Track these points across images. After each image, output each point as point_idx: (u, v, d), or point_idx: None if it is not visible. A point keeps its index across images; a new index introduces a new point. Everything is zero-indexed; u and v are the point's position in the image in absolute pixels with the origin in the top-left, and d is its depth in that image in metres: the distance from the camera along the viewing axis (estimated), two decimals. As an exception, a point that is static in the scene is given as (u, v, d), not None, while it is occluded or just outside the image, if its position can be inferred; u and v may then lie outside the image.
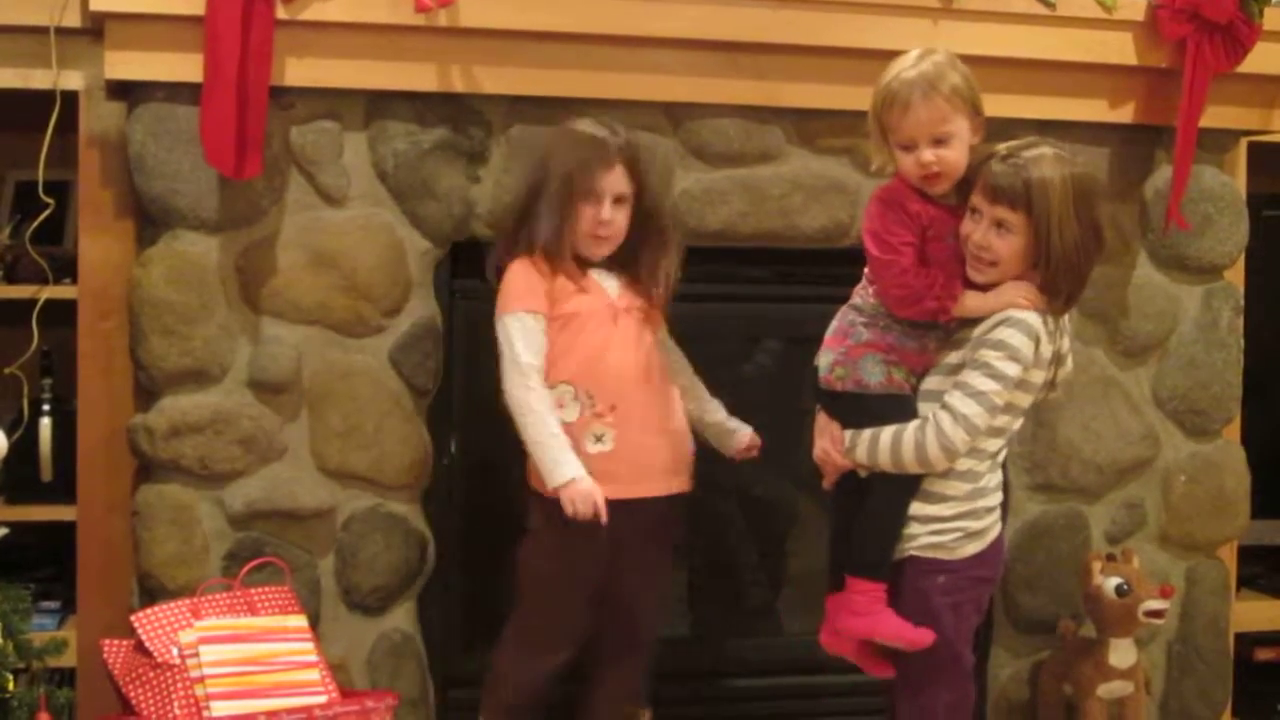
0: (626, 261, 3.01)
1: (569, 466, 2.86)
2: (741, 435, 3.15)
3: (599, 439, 2.92)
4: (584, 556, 2.94)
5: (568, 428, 2.90)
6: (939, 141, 2.70)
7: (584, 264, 2.98)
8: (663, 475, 3.00)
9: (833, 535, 2.91)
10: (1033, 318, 2.65)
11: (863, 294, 2.82)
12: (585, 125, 2.99)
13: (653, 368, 2.99)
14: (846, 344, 2.80)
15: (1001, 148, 2.71)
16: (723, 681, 3.48)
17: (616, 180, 2.94)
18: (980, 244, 2.68)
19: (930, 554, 2.74)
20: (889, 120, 2.73)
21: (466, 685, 3.18)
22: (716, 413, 3.15)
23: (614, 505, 2.88)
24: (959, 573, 2.75)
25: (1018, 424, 2.76)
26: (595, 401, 2.91)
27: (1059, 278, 2.65)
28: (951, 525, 2.73)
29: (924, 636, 2.70)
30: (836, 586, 2.85)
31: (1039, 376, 2.70)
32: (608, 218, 2.94)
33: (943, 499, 2.73)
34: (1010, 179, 2.64)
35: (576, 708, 3.13)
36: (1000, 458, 2.78)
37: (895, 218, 2.75)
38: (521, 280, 2.94)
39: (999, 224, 2.66)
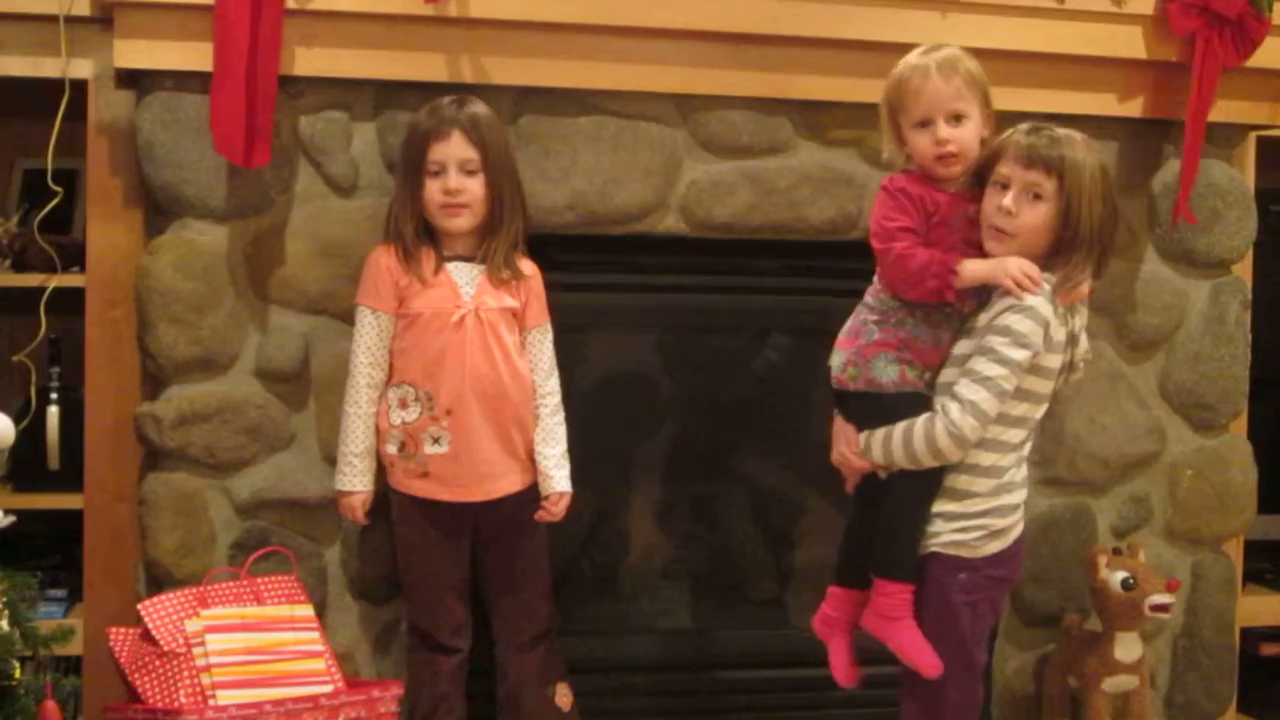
0: (489, 251, 3.01)
1: (344, 479, 3.01)
2: (547, 489, 3.07)
3: (436, 441, 2.98)
4: (438, 549, 3.03)
5: (408, 427, 2.99)
6: (955, 119, 2.71)
7: (445, 256, 3.00)
8: (501, 478, 3.04)
9: (845, 533, 2.91)
10: (1040, 303, 2.64)
11: (874, 292, 2.82)
12: (435, 102, 3.03)
13: (496, 372, 2.99)
14: (858, 343, 2.79)
15: (1024, 125, 2.72)
16: (726, 673, 3.48)
17: (455, 148, 2.96)
18: (1007, 209, 2.66)
19: (953, 551, 2.73)
20: (904, 99, 2.73)
21: (471, 676, 3.18)
22: (544, 450, 3.07)
23: (461, 506, 3.01)
24: (979, 571, 2.74)
25: (1039, 412, 2.74)
26: (434, 404, 2.97)
27: (1079, 251, 2.65)
28: (976, 523, 2.72)
29: (934, 667, 2.70)
30: (841, 581, 2.86)
31: (1055, 361, 2.69)
32: (455, 185, 2.95)
33: (968, 495, 2.72)
34: (1047, 148, 2.65)
35: (498, 700, 3.15)
36: (1024, 450, 2.77)
37: (895, 205, 2.75)
38: (371, 272, 3.01)
39: (1031, 190, 2.65)
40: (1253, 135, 3.67)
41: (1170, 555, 3.63)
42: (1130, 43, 3.40)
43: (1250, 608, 3.82)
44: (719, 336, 3.25)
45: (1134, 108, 3.47)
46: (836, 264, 3.24)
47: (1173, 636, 3.66)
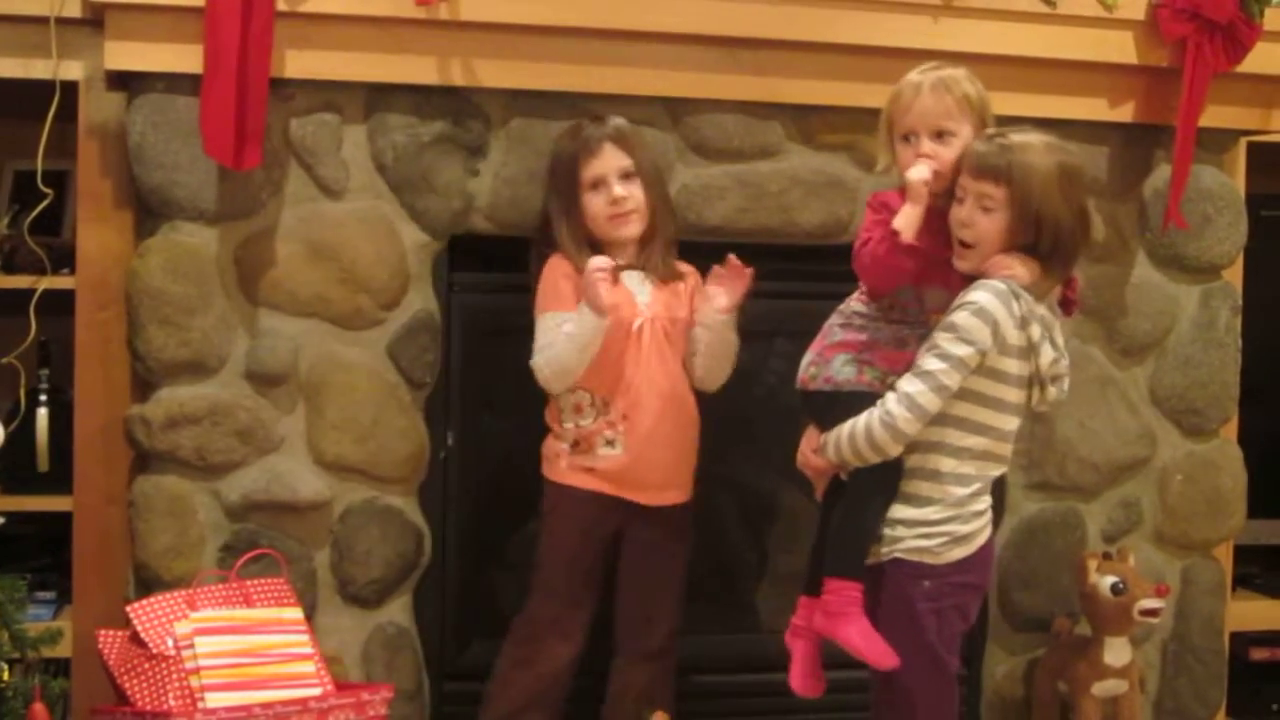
0: (649, 257, 3.06)
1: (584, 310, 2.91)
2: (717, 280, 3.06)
3: (610, 443, 3.02)
4: (588, 542, 3.05)
5: (582, 430, 3.02)
6: (940, 136, 2.71)
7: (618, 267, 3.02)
8: (665, 488, 3.08)
9: (814, 543, 2.92)
10: (989, 302, 2.63)
11: (846, 300, 2.86)
12: (573, 125, 3.10)
13: (670, 381, 3.04)
14: (822, 345, 2.84)
15: (989, 130, 2.72)
16: (712, 678, 3.47)
17: (610, 159, 3.01)
18: (963, 221, 2.68)
19: (915, 558, 2.72)
20: (896, 112, 2.76)
21: (462, 678, 3.19)
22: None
23: (617, 504, 3.04)
24: (944, 578, 2.73)
25: (1003, 421, 2.73)
26: (610, 409, 3.00)
27: (1053, 258, 2.67)
28: (938, 529, 2.71)
29: (888, 658, 2.68)
30: (810, 591, 2.86)
31: (1011, 366, 2.68)
32: (621, 193, 3.01)
33: (927, 502, 2.72)
34: (995, 157, 2.65)
35: (600, 712, 3.18)
36: (990, 463, 2.75)
37: (868, 224, 2.80)
38: (550, 281, 3.03)
39: (982, 201, 2.66)
40: (1243, 140, 3.68)
41: (1160, 560, 3.63)
42: (1121, 48, 3.41)
43: (1239, 612, 3.82)
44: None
45: (1125, 113, 3.48)
46: (827, 268, 3.24)
47: (1162, 641, 3.66)
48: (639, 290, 3.05)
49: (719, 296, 3.04)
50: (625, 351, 3.00)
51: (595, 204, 3.02)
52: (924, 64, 2.81)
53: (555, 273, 3.03)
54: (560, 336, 2.96)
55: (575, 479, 3.04)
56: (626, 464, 3.01)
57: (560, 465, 3.05)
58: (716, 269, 3.04)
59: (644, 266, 3.07)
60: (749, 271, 3.02)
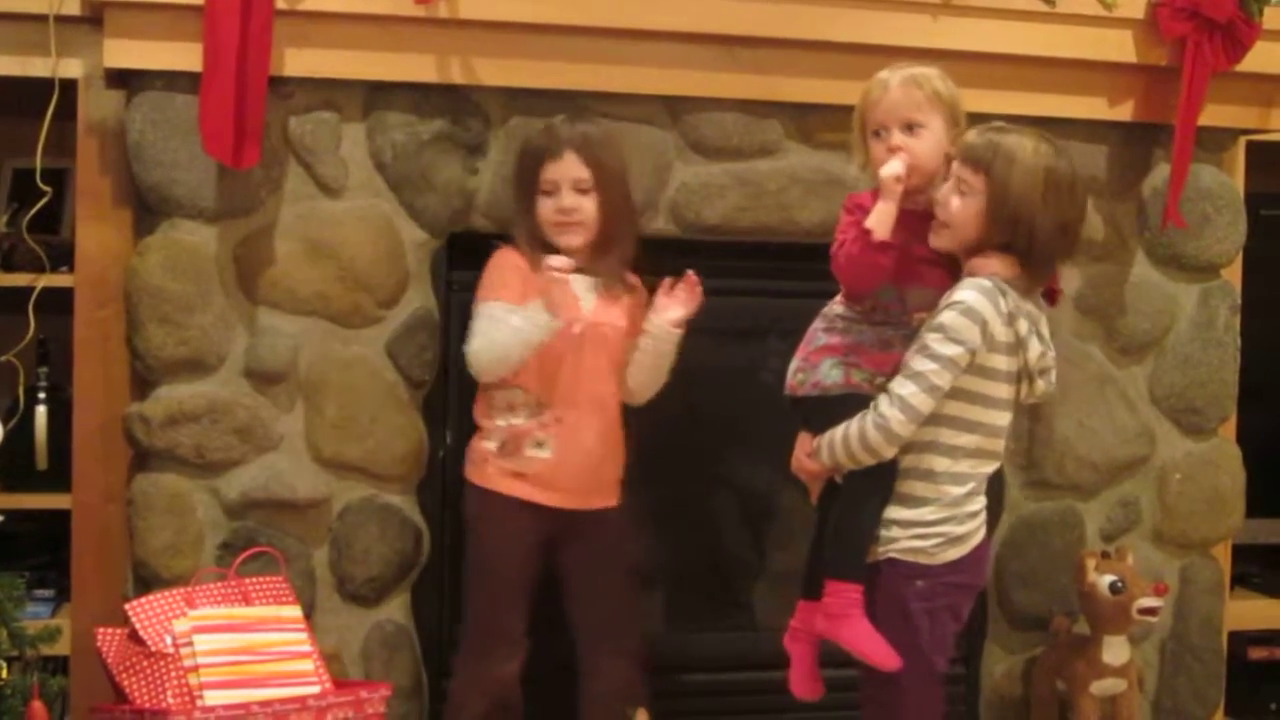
0: (601, 266, 3.03)
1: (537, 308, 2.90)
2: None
3: (540, 445, 2.99)
4: (516, 551, 3.01)
5: (513, 429, 2.99)
6: (910, 129, 2.73)
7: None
8: (592, 493, 3.06)
9: (811, 546, 2.92)
10: (977, 301, 2.63)
11: (828, 304, 2.86)
12: (548, 121, 3.07)
13: (604, 388, 3.03)
14: (807, 350, 2.85)
15: (992, 124, 2.73)
16: (704, 676, 3.48)
17: (569, 168, 2.98)
18: (939, 200, 2.70)
19: (910, 558, 2.72)
20: (866, 108, 2.78)
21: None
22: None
23: (544, 511, 3.00)
24: (938, 578, 2.73)
25: (995, 418, 2.73)
26: (543, 411, 2.99)
27: (1030, 261, 2.67)
28: (934, 530, 2.71)
29: (890, 659, 2.68)
30: (808, 594, 2.86)
31: (1000, 362, 2.68)
32: (569, 204, 2.98)
33: (923, 501, 2.72)
34: (981, 147, 2.66)
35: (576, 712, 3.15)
36: (984, 459, 2.75)
37: (841, 226, 2.80)
38: (495, 272, 3.02)
39: (959, 184, 2.67)
40: (1242, 140, 3.68)
41: (1159, 559, 3.63)
42: (1120, 47, 3.41)
43: (1238, 611, 3.82)
44: (706, 338, 3.24)
45: (1124, 112, 3.48)
46: (826, 267, 3.24)
47: (1161, 640, 3.66)
48: (585, 296, 3.01)
49: (673, 309, 3.03)
50: (565, 354, 2.97)
51: (545, 207, 3.00)
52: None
53: (502, 262, 3.02)
54: (506, 329, 2.93)
55: (504, 485, 3.00)
56: (553, 466, 2.98)
57: (487, 470, 3.02)
58: (667, 282, 3.04)
59: (595, 273, 3.03)
60: (699, 288, 3.03)
